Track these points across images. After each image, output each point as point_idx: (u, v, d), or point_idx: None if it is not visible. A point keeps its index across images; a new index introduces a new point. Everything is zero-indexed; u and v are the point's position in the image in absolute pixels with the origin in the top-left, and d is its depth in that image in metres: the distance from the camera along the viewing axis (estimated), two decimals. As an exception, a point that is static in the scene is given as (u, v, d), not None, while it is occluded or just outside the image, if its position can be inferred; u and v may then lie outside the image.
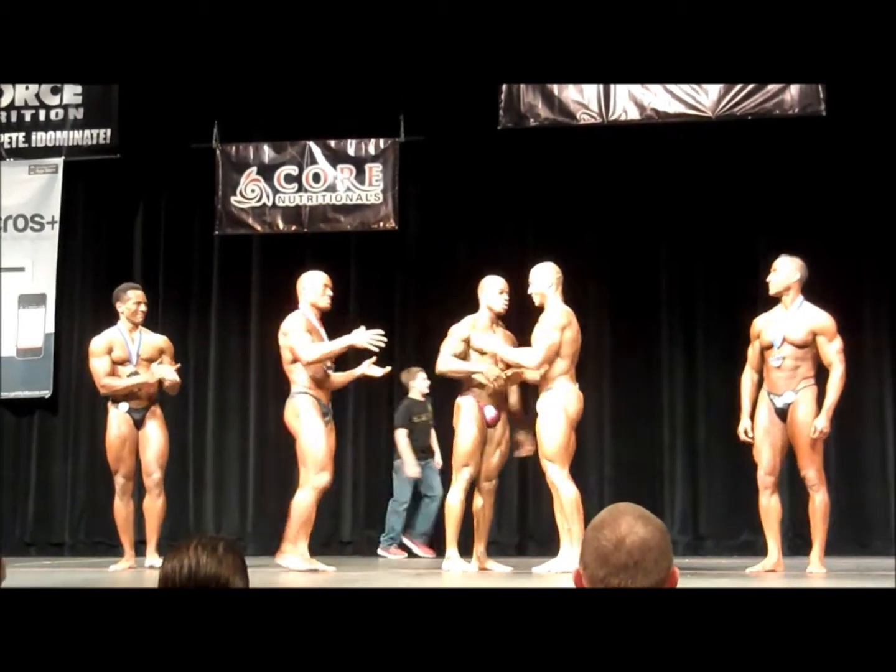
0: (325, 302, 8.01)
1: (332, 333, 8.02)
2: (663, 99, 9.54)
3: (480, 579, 7.35)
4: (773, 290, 7.64)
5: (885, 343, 9.76)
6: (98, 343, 8.54)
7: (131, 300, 8.54)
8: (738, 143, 9.76)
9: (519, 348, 7.83)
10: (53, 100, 10.61)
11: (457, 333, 7.92)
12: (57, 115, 10.59)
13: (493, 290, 7.98)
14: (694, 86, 9.48)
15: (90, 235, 10.83)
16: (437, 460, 9.72)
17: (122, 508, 8.44)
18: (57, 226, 10.56)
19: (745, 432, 7.61)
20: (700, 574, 7.30)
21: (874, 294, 9.80)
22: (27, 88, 10.61)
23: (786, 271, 7.61)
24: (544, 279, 7.79)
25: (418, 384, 9.81)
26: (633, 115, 9.61)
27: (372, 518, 10.23)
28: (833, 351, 7.42)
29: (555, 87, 9.71)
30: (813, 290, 9.75)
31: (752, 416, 7.59)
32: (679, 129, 9.66)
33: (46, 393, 10.56)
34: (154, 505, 8.43)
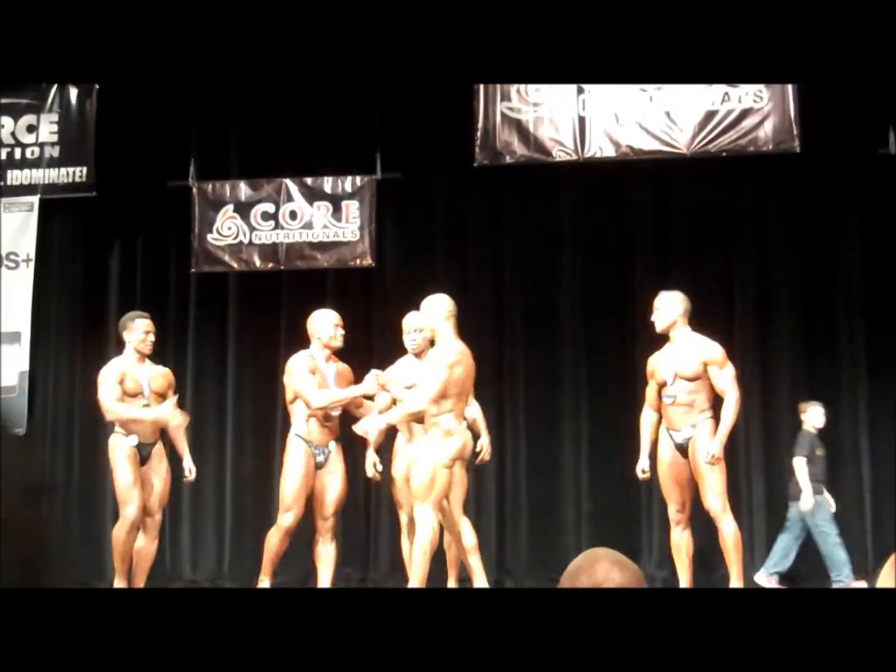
0: (337, 342, 7.97)
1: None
2: (638, 135, 9.62)
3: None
4: (659, 328, 7.62)
5: (860, 378, 9.80)
6: (110, 372, 7.97)
7: (139, 329, 8.04)
8: (713, 178, 9.84)
9: (410, 394, 7.44)
10: (29, 138, 10.60)
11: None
12: (32, 153, 10.58)
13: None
14: (669, 122, 9.56)
15: (66, 273, 10.78)
16: (830, 499, 9.26)
17: (127, 541, 7.87)
18: (32, 264, 10.52)
19: (643, 471, 7.64)
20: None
21: (849, 328, 9.85)
22: (3, 127, 10.61)
23: (667, 307, 7.58)
24: (435, 313, 7.39)
25: (814, 418, 9.31)
26: (609, 151, 9.68)
27: (350, 556, 10.19)
28: (726, 378, 7.36)
29: (530, 125, 9.77)
30: (788, 323, 9.86)
31: (651, 456, 7.60)
32: (654, 165, 9.74)
33: (21, 431, 10.49)
34: (149, 548, 8.03)
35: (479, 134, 9.81)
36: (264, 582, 7.82)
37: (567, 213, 10.23)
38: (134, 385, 8.00)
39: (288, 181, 10.32)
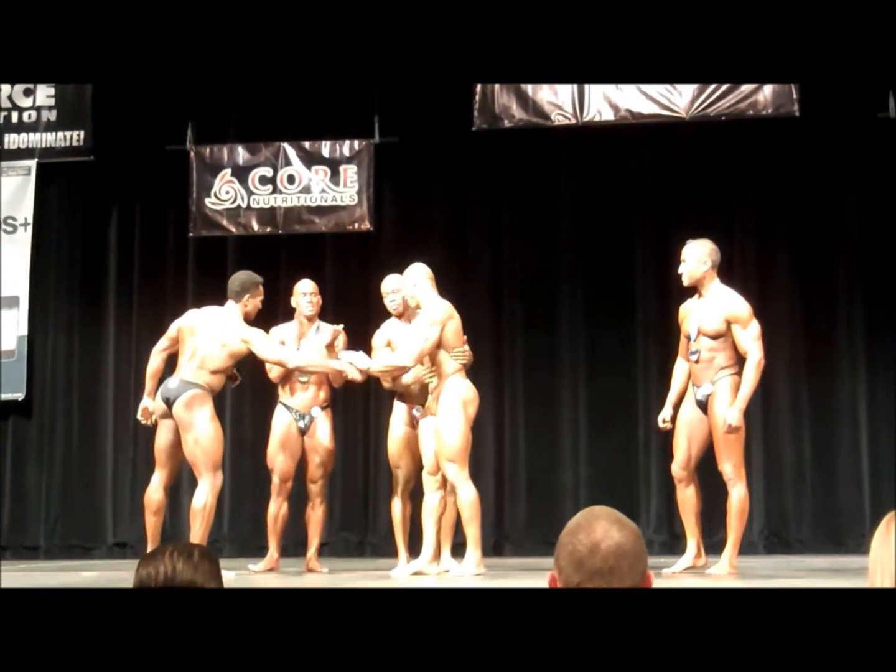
0: (303, 310, 8.27)
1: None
2: (637, 99, 9.58)
3: (431, 582, 7.17)
4: (686, 282, 7.27)
5: (859, 344, 9.80)
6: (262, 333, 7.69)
7: (260, 297, 7.74)
8: (712, 143, 9.82)
9: (391, 354, 7.61)
10: (26, 102, 10.56)
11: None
12: (30, 116, 10.55)
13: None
14: (668, 86, 9.52)
15: (64, 237, 10.78)
16: None
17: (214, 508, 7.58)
18: (30, 228, 10.52)
19: (664, 420, 7.41)
20: (677, 576, 7.31)
21: (848, 293, 9.85)
22: (-1, 90, 10.58)
23: (694, 259, 7.23)
24: (413, 277, 7.40)
25: None
26: (608, 115, 9.65)
27: (348, 520, 10.22)
28: (749, 338, 7.03)
29: (529, 89, 9.73)
30: (787, 290, 9.86)
31: (677, 407, 7.38)
32: (653, 129, 9.71)
33: (20, 396, 10.49)
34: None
35: (477, 98, 9.77)
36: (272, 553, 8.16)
37: (566, 178, 10.21)
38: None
39: (286, 145, 10.30)
